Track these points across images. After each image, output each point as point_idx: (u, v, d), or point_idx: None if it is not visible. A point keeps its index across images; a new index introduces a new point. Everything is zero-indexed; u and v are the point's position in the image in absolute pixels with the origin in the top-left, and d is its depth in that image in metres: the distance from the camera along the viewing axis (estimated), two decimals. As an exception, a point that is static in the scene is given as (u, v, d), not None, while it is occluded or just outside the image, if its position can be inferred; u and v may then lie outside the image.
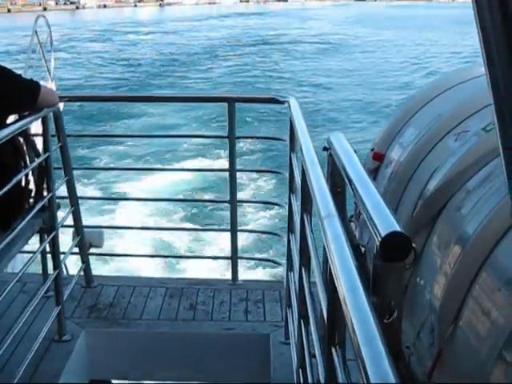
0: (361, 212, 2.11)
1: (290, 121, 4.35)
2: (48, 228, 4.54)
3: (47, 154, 4.38)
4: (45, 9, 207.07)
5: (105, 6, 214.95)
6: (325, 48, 59.66)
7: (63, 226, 5.10)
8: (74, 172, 5.17)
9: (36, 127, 4.71)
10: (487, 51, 1.06)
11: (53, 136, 4.67)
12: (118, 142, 22.15)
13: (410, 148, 3.97)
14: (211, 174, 16.73)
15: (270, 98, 5.51)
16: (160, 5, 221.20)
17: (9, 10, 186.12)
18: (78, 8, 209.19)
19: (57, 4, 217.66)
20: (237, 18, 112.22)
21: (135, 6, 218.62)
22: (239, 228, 5.96)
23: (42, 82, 7.00)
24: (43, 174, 4.44)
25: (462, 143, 3.40)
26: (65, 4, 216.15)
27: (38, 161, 4.33)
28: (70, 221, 5.23)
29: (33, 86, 4.20)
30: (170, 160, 20.48)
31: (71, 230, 5.37)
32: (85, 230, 5.38)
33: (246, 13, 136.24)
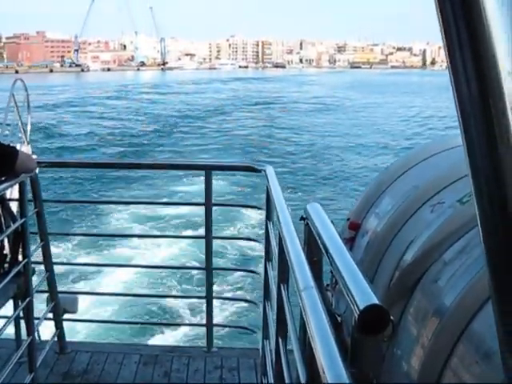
0: (337, 281, 2.11)
1: (267, 189, 4.38)
2: (22, 293, 4.48)
3: (23, 220, 4.36)
4: (51, 70, 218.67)
5: (109, 70, 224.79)
6: (319, 108, 66.37)
7: (38, 292, 5.04)
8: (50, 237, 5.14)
9: (12, 191, 4.70)
10: (464, 119, 1.08)
11: (29, 201, 4.66)
12: (95, 208, 22.09)
13: (386, 218, 4.00)
14: (187, 240, 16.69)
15: (247, 166, 5.57)
16: (162, 69, 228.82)
17: (16, 71, 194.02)
18: (83, 70, 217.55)
19: (62, 66, 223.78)
20: (237, 82, 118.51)
21: (138, 69, 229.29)
22: (215, 295, 5.93)
23: (18, 146, 7.01)
24: (19, 239, 4.41)
25: (437, 215, 3.44)
26: (70, 66, 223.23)
27: (14, 226, 4.30)
28: (44, 286, 5.17)
29: (10, 152, 4.18)
30: (147, 226, 20.43)
31: (45, 295, 5.31)
32: (59, 295, 5.32)
33: (245, 77, 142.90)
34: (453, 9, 0.97)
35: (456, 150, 4.11)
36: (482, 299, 2.50)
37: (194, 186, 23.58)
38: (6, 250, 4.43)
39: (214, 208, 5.45)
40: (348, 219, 4.68)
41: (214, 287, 5.76)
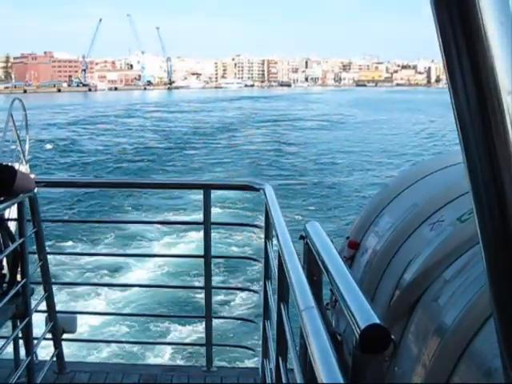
0: (337, 300, 2.11)
1: (266, 208, 4.38)
2: (21, 313, 4.46)
3: (22, 240, 4.35)
4: (59, 90, 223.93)
5: (116, 89, 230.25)
6: (324, 125, 69.45)
7: (36, 311, 5.02)
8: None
9: (10, 211, 4.69)
10: (464, 138, 1.08)
11: (28, 220, 4.65)
12: (93, 227, 22.06)
13: (385, 237, 3.99)
14: (186, 259, 16.65)
15: (246, 185, 5.56)
16: (168, 88, 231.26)
17: (25, 91, 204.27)
18: (90, 90, 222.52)
19: (70, 86, 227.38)
20: (244, 101, 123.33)
21: (145, 89, 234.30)
22: (214, 315, 5.91)
23: (16, 165, 7.00)
24: (17, 259, 4.40)
25: (437, 233, 3.43)
26: (77, 86, 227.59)
27: (12, 246, 4.29)
28: (43, 305, 5.15)
29: (9, 172, 4.18)
30: (145, 245, 20.40)
31: (44, 314, 5.28)
32: (58, 315, 5.30)
33: (252, 96, 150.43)
34: (453, 28, 0.98)
35: (454, 167, 4.11)
36: (483, 317, 2.49)
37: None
38: (5, 270, 4.42)
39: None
40: (347, 237, 4.68)
41: (214, 305, 5.73)
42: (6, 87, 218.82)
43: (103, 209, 26.41)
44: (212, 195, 5.29)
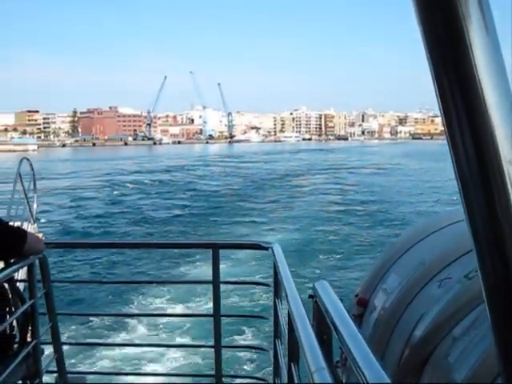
0: (347, 359, 2.12)
1: (274, 266, 4.39)
2: (32, 375, 4.45)
3: (32, 301, 4.37)
4: (125, 143, 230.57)
5: (179, 142, 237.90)
6: (376, 172, 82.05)
7: (47, 372, 5.00)
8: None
9: (20, 272, 4.72)
10: (465, 194, 1.11)
11: (38, 281, 4.67)
12: (105, 288, 22.00)
13: (394, 294, 4.00)
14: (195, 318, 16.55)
15: (254, 244, 5.58)
16: (229, 142, 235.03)
17: (94, 144, 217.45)
18: (155, 143, 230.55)
19: (135, 139, 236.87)
20: (303, 153, 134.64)
21: (207, 142, 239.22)
22: (224, 373, 5.86)
23: (25, 224, 7.04)
24: (28, 320, 4.40)
25: (445, 290, 3.45)
26: (142, 140, 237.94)
27: (23, 308, 4.30)
28: (53, 366, 5.13)
29: (19, 235, 4.21)
30: (155, 305, 20.32)
31: (55, 375, 5.25)
32: (68, 375, 5.27)
33: (310, 149, 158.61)
34: (452, 93, 1.03)
35: (461, 223, 4.14)
36: (492, 375, 2.49)
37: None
38: (15, 331, 4.42)
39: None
40: (356, 295, 4.68)
41: (223, 364, 5.68)
42: (76, 141, 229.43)
43: (117, 269, 26.47)
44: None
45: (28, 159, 9.22)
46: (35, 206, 8.52)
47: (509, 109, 1.03)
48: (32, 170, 8.90)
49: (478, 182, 1.07)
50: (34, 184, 8.64)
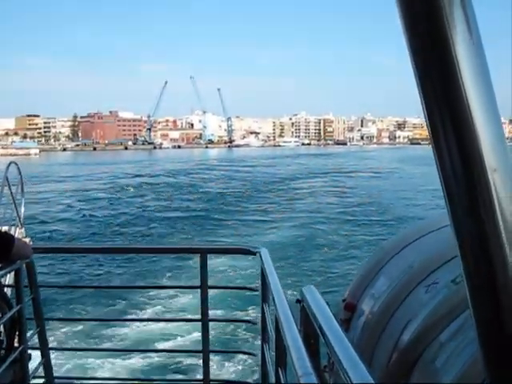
0: (334, 363, 2.13)
1: (262, 271, 4.40)
2: (19, 380, 4.43)
3: (19, 306, 4.35)
4: (126, 148, 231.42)
5: (179, 147, 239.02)
6: (373, 176, 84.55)
7: (34, 377, 4.97)
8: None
9: (7, 277, 4.70)
10: (450, 199, 1.13)
11: (25, 286, 4.65)
12: (90, 292, 21.90)
13: (381, 299, 4.01)
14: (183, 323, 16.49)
15: (242, 249, 5.59)
16: (229, 146, 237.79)
17: (94, 149, 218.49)
18: (155, 148, 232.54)
19: (135, 144, 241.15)
20: (303, 158, 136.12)
21: (206, 147, 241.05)
22: (212, 378, 5.85)
23: (12, 228, 7.00)
24: (15, 326, 4.38)
25: (432, 295, 3.46)
26: (143, 144, 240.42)
27: (10, 313, 4.28)
28: (41, 371, 5.10)
29: (6, 239, 4.19)
30: (143, 310, 20.24)
31: (42, 380, 5.23)
32: (56, 381, 5.25)
33: (309, 154, 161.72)
34: (438, 103, 1.04)
35: (449, 228, 4.14)
36: (479, 379, 2.50)
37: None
38: (2, 336, 4.40)
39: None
40: (344, 300, 4.69)
41: (211, 368, 5.67)
42: (77, 145, 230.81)
43: (104, 274, 26.38)
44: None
45: (16, 163, 9.17)
46: (23, 209, 8.48)
47: (494, 118, 1.05)
48: (20, 174, 8.86)
49: (463, 189, 1.09)
50: (22, 188, 8.61)
